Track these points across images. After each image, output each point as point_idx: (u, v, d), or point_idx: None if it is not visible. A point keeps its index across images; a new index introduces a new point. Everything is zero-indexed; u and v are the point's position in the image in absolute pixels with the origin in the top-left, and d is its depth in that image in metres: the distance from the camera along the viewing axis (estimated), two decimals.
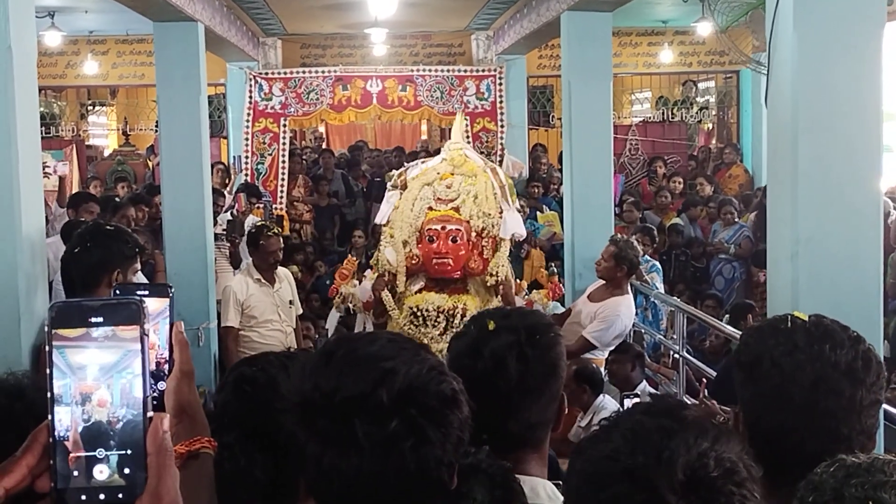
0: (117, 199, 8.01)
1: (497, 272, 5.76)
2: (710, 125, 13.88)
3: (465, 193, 5.80)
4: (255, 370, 2.07)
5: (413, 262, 5.77)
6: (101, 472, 0.92)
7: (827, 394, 1.75)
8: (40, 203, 4.15)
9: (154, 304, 1.26)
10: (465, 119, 7.23)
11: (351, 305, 6.13)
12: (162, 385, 1.29)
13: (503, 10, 10.62)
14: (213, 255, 7.83)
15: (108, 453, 0.92)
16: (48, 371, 0.92)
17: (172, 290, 1.29)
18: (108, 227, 3.92)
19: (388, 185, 6.23)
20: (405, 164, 6.58)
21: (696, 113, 13.37)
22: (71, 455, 0.92)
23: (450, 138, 6.52)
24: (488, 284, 5.80)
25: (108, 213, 7.22)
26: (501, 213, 5.83)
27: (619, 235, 6.34)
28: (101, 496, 0.92)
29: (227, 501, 1.49)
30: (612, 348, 6.07)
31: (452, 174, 5.91)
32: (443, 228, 5.71)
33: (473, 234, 5.75)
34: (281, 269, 6.93)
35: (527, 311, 2.18)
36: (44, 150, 5.13)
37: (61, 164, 10.03)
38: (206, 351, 7.56)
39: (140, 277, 4.32)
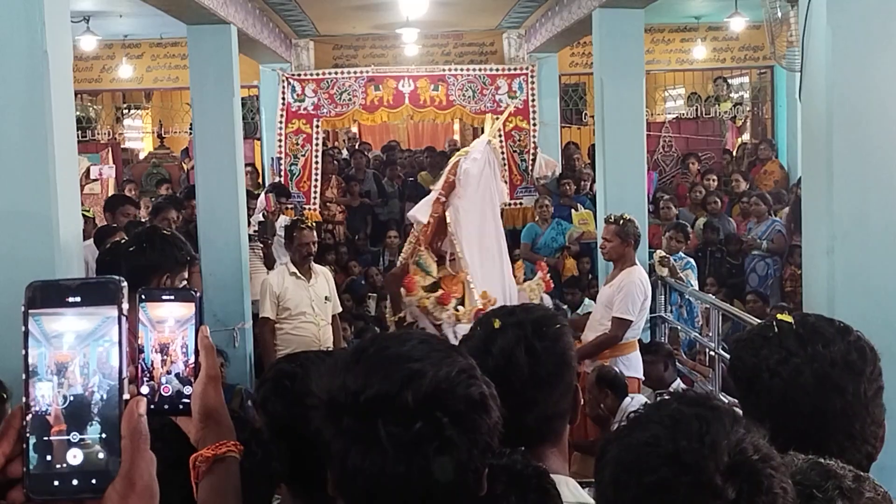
0: (160, 200, 8.06)
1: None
2: (743, 120, 13.74)
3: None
4: (295, 366, 2.11)
5: None
6: (74, 457, 0.90)
7: (831, 393, 1.74)
8: (77, 206, 4.18)
9: (181, 310, 1.27)
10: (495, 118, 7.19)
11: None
12: (188, 390, 1.30)
13: (534, 8, 10.59)
14: (247, 256, 7.89)
15: (82, 437, 0.90)
16: (24, 352, 0.90)
17: (199, 294, 1.30)
18: (165, 232, 3.94)
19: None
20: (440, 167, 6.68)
21: (731, 109, 13.24)
22: (48, 436, 0.90)
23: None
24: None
25: (150, 215, 7.30)
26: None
27: (613, 215, 6.37)
28: (74, 482, 0.90)
29: (248, 497, 1.50)
30: (644, 339, 6.11)
31: None
32: None
33: None
34: (319, 267, 7.06)
35: (530, 306, 2.17)
36: (80, 154, 5.19)
37: (107, 168, 10.16)
38: (242, 351, 7.62)
39: None
